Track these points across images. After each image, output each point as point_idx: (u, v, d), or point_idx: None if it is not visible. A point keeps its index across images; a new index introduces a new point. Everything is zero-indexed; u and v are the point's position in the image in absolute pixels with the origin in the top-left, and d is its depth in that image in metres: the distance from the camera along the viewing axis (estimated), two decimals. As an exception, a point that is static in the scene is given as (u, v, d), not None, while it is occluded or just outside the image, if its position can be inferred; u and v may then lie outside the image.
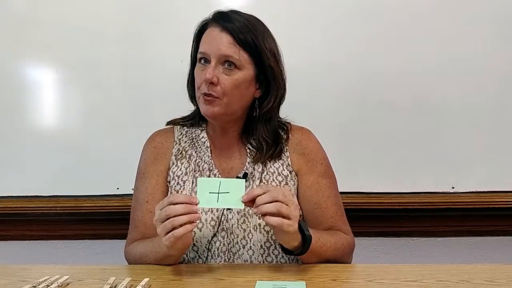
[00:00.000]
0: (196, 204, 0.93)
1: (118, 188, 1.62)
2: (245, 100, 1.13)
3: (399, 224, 1.67)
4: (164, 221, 0.92)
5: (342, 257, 1.11)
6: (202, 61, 1.10)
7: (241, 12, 1.13)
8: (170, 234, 0.91)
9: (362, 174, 1.63)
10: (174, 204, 0.92)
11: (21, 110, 1.64)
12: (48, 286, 0.88)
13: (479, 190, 1.63)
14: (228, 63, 1.07)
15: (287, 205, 0.93)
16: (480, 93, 1.61)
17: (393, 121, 1.62)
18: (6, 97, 1.64)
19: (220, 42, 1.07)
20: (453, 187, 1.63)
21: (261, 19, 1.15)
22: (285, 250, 1.03)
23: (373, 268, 1.00)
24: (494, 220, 1.65)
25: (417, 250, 1.69)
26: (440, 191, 1.63)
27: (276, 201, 0.92)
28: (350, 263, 1.15)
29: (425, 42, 1.60)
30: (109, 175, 1.63)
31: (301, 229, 0.98)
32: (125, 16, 1.62)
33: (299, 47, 1.57)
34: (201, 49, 1.10)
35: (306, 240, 0.98)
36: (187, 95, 1.21)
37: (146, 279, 0.90)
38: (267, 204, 0.92)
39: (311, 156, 1.19)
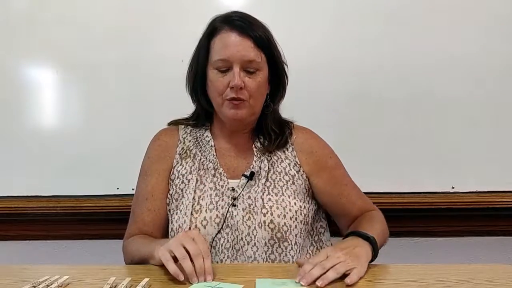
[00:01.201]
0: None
1: (118, 188, 1.62)
2: (263, 99, 1.16)
3: (399, 224, 1.66)
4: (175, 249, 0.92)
5: (387, 237, 1.17)
6: (222, 67, 1.10)
7: (239, 11, 1.15)
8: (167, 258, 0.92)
9: (362, 174, 1.61)
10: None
11: (21, 110, 1.64)
12: (48, 286, 0.88)
13: (479, 190, 1.63)
14: (251, 66, 1.10)
15: (336, 263, 0.91)
16: (481, 93, 1.61)
17: (393, 121, 1.62)
18: (6, 97, 1.64)
19: (243, 47, 1.09)
20: (453, 187, 1.63)
21: (261, 19, 1.15)
22: None
23: (373, 268, 1.00)
24: (494, 220, 1.65)
25: (417, 250, 1.69)
26: (440, 191, 1.63)
27: (328, 267, 0.90)
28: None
29: (425, 41, 1.60)
30: (109, 175, 1.63)
31: (359, 235, 1.02)
32: (125, 16, 1.62)
33: (299, 47, 1.56)
34: (220, 56, 1.10)
35: (372, 243, 1.02)
36: (188, 95, 1.21)
37: (146, 279, 0.90)
38: (326, 274, 0.89)
39: (319, 153, 1.21)
